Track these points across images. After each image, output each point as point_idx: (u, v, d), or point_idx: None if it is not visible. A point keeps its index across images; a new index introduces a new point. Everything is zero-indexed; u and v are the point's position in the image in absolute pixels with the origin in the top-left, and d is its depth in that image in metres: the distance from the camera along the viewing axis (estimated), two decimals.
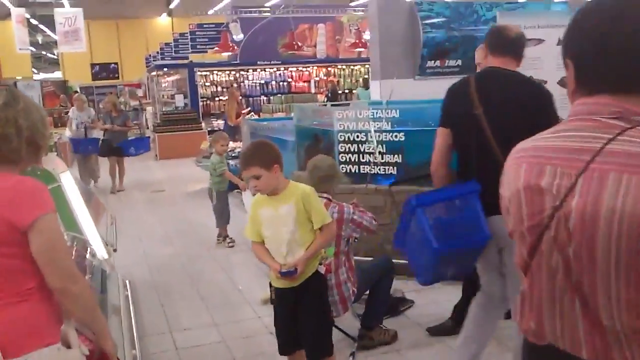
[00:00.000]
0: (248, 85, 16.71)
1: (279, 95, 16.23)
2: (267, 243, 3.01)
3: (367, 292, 3.93)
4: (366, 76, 17.67)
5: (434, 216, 2.94)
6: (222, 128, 14.14)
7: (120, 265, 6.02)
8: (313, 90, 17.05)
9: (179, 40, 18.56)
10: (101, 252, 3.93)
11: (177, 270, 5.82)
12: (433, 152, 3.09)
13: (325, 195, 3.74)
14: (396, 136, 5.00)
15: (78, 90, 20.71)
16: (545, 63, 4.24)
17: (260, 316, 4.56)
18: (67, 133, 11.03)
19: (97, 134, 10.57)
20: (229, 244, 6.58)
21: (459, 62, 7.87)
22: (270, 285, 4.80)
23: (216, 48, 13.20)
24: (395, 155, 5.05)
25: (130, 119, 11.51)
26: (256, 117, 13.78)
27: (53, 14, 14.73)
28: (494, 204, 1.66)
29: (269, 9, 14.59)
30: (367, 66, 17.80)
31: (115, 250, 4.37)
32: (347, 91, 17.37)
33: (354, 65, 17.76)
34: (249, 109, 12.45)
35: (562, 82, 4.36)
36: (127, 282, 3.63)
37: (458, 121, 3.00)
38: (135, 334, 3.51)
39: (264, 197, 2.96)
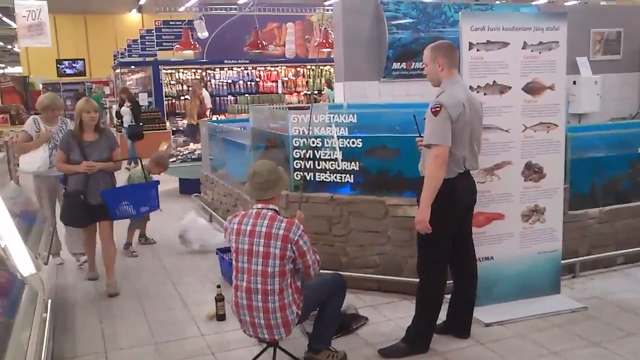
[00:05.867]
0: (215, 85, 16.33)
1: (246, 95, 15.87)
2: None
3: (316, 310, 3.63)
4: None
5: None
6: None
7: (59, 276, 5.68)
8: (280, 91, 16.72)
9: (146, 37, 18.08)
10: (25, 266, 3.56)
11: (121, 282, 5.43)
12: None
13: (271, 206, 3.43)
14: (354, 142, 4.72)
15: (41, 87, 18.80)
16: (509, 68, 3.98)
17: (204, 334, 4.25)
18: (27, 165, 5.60)
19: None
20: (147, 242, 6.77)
21: None
22: (217, 300, 4.52)
23: (177, 46, 12.77)
24: (353, 163, 4.77)
25: (118, 147, 5.47)
26: (222, 117, 13.42)
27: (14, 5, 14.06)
28: None
29: (237, 6, 14.19)
30: None
31: (46, 264, 4.00)
32: (316, 92, 17.07)
33: (323, 66, 17.48)
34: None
35: (527, 88, 4.11)
36: (49, 301, 3.29)
37: None
38: None
39: None
